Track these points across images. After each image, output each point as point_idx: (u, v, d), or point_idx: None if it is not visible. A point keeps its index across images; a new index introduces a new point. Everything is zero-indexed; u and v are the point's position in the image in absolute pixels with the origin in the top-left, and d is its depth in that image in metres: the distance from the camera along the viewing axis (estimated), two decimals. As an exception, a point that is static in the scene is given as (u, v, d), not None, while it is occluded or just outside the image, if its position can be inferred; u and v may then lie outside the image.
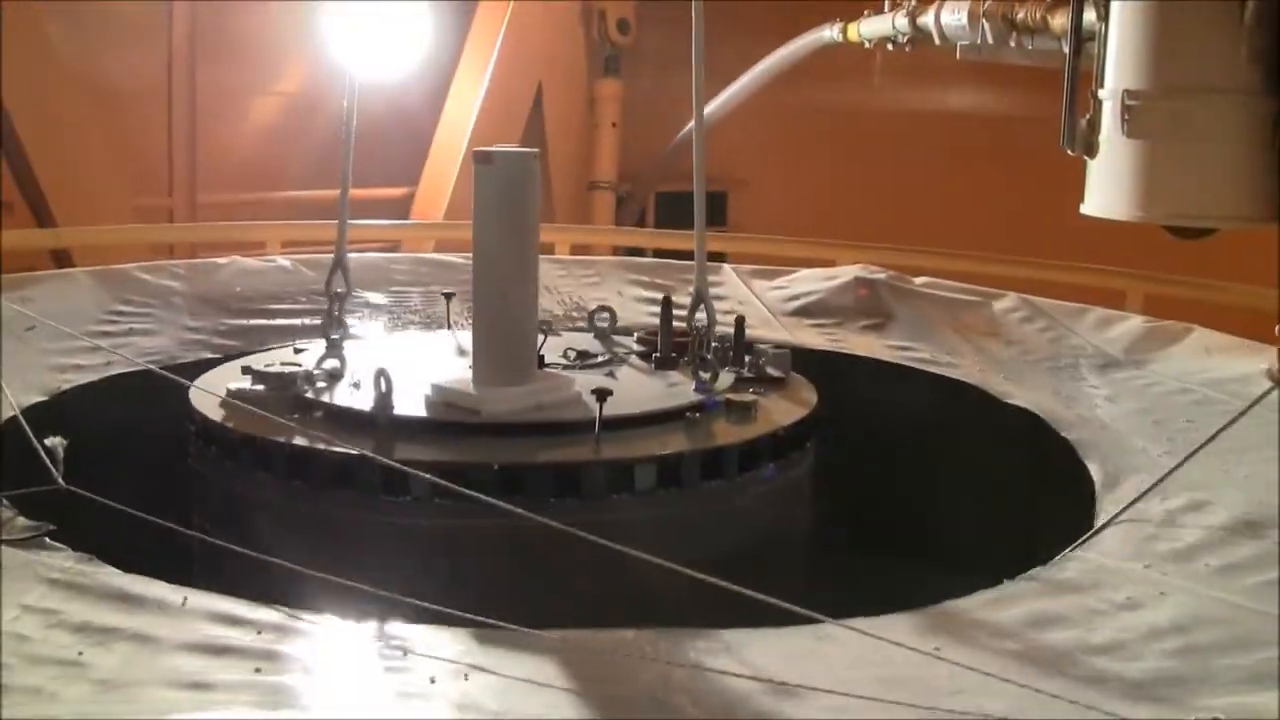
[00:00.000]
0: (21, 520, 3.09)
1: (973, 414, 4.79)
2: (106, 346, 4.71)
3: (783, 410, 3.97)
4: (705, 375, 3.95)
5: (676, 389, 4.01)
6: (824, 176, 12.57)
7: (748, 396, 3.95)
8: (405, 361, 3.93)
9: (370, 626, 2.63)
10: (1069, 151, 6.59)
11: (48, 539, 2.99)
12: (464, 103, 11.81)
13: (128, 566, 2.88)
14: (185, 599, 2.71)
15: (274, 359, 4.15)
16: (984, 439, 4.71)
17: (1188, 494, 3.55)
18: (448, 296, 5.04)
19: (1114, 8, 6.27)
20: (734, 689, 2.45)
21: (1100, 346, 5.29)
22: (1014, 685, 2.40)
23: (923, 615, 2.86)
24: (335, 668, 2.51)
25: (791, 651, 2.61)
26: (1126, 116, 6.14)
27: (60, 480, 3.23)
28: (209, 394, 3.92)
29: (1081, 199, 6.73)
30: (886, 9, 9.86)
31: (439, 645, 2.56)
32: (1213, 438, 3.67)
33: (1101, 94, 6.38)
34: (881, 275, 6.17)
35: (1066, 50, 6.74)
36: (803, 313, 5.89)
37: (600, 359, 4.37)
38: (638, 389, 4.03)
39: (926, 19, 9.12)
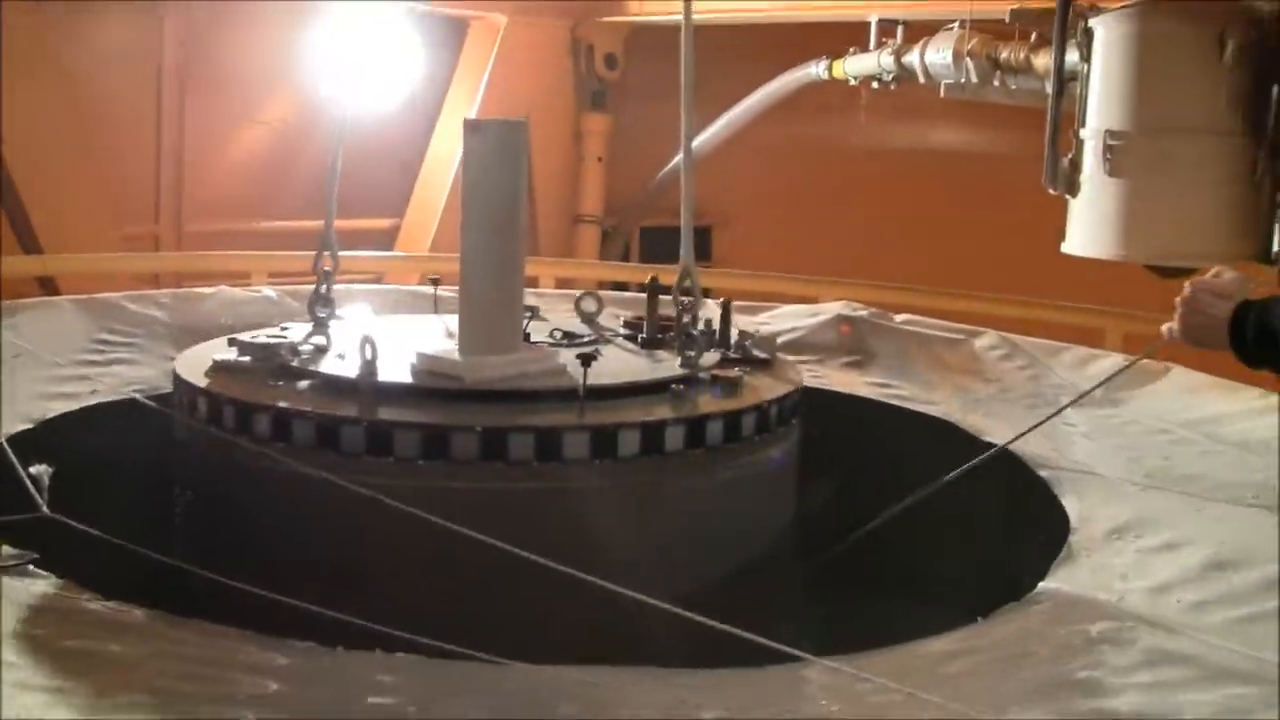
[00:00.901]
0: (7, 549, 3.10)
1: (949, 450, 4.82)
2: (92, 375, 4.73)
3: (768, 387, 3.97)
4: (691, 352, 3.95)
5: (662, 364, 4.02)
6: (809, 212, 12.62)
7: (733, 373, 3.96)
8: (392, 338, 3.92)
9: (353, 656, 2.65)
10: (1051, 190, 6.68)
11: (31, 566, 3.01)
12: (451, 136, 11.85)
13: (111, 594, 2.90)
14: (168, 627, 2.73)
15: (260, 334, 4.17)
16: (960, 474, 4.74)
17: (1159, 534, 3.59)
18: (434, 282, 5.06)
19: (1096, 48, 6.37)
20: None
21: (1078, 385, 5.32)
22: None
23: (898, 652, 2.89)
24: (317, 696, 2.53)
25: (769, 689, 2.64)
26: (1108, 156, 6.23)
27: (44, 508, 3.25)
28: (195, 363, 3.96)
29: (1063, 237, 6.81)
30: (872, 47, 9.95)
31: (419, 675, 2.58)
32: (1091, 390, 3.72)
33: (1083, 133, 6.47)
34: (863, 312, 6.19)
35: (1049, 90, 6.84)
36: (786, 349, 5.91)
37: (586, 339, 4.38)
38: (623, 364, 4.03)
39: (911, 57, 9.20)
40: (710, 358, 4.04)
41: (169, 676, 2.50)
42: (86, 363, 4.96)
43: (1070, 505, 3.88)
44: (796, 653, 2.65)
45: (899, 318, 6.18)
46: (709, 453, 3.61)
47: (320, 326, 4.24)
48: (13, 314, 5.32)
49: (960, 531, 4.33)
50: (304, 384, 3.76)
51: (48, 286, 8.62)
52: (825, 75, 10.76)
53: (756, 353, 4.29)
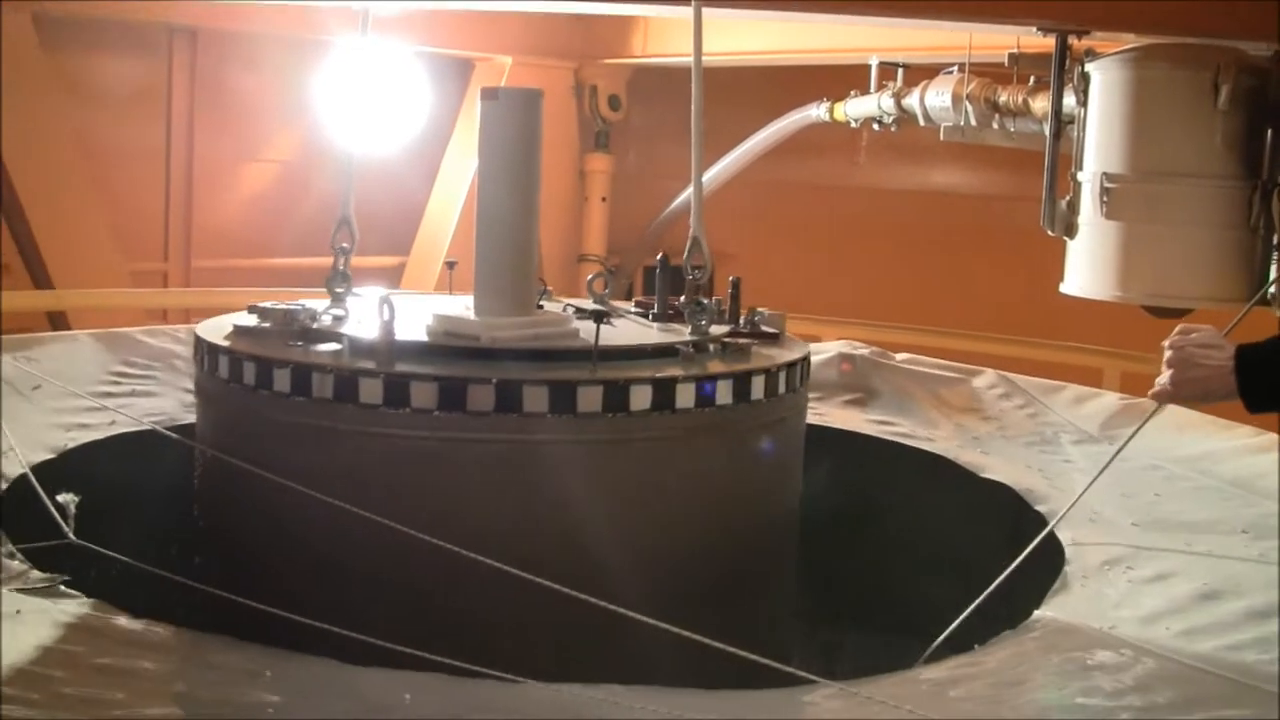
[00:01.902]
0: (35, 572, 3.18)
1: (949, 486, 4.91)
2: (111, 406, 4.82)
3: (777, 355, 4.03)
4: (701, 321, 4.00)
5: (673, 333, 4.07)
6: (809, 252, 12.73)
7: (743, 340, 4.05)
8: (409, 309, 4.00)
9: (373, 673, 2.73)
10: (1049, 232, 6.79)
11: (62, 587, 3.10)
12: (456, 175, 11.98)
13: (137, 616, 2.99)
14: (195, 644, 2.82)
15: (278, 304, 4.23)
16: (959, 510, 4.83)
17: (1151, 567, 3.69)
18: (450, 265, 5.13)
19: (1093, 93, 6.50)
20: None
21: (1076, 423, 5.41)
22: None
23: (898, 678, 2.98)
24: (340, 710, 2.61)
25: (776, 711, 2.72)
26: (1105, 199, 6.37)
27: (71, 535, 3.34)
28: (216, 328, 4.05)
29: (1061, 278, 6.92)
30: (872, 89, 10.06)
31: (424, 693, 2.66)
32: (1118, 451, 3.83)
33: (1081, 176, 6.60)
34: (864, 351, 6.27)
35: (1047, 133, 6.97)
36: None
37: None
38: (635, 331, 4.11)
39: (911, 100, 9.31)
40: (720, 329, 4.11)
41: (198, 690, 2.60)
42: (105, 394, 5.05)
43: (1066, 539, 3.96)
44: (810, 676, 2.73)
45: (899, 356, 6.26)
46: (719, 411, 3.67)
47: (337, 301, 4.34)
48: (30, 347, 5.41)
49: (960, 563, 4.41)
50: (323, 345, 3.83)
51: (57, 322, 8.73)
52: (826, 117, 10.85)
53: (765, 328, 4.37)
